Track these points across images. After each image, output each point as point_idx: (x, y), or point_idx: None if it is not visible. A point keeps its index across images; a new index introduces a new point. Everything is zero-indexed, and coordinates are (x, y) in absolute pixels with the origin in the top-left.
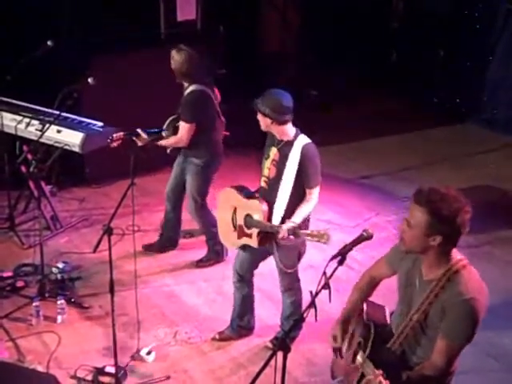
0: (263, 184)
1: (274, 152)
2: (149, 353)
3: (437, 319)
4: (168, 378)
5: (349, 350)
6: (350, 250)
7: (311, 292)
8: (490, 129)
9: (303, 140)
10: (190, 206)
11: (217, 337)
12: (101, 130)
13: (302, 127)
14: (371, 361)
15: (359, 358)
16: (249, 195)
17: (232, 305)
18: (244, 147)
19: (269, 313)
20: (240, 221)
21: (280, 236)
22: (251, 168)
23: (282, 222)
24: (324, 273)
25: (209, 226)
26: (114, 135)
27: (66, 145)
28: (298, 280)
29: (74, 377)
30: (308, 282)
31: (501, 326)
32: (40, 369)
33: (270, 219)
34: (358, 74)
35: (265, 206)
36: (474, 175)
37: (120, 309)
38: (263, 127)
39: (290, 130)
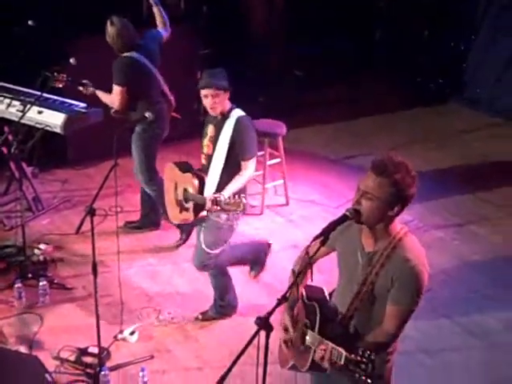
0: (203, 161)
1: (211, 129)
2: (132, 333)
3: (385, 289)
4: (151, 357)
5: (296, 335)
6: (333, 229)
7: (293, 271)
8: (473, 108)
9: (238, 113)
10: (139, 179)
11: (200, 317)
12: (84, 110)
13: (286, 107)
14: (322, 337)
15: (309, 337)
16: (185, 170)
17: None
18: None
19: (252, 291)
20: (180, 196)
21: (206, 207)
22: None
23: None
24: (306, 253)
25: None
26: (57, 74)
27: (47, 126)
28: (210, 266)
29: (57, 358)
30: (290, 261)
31: (486, 305)
32: (23, 350)
33: (202, 191)
34: (342, 54)
35: (197, 180)
36: (459, 154)
37: (103, 289)
38: (217, 105)
39: (228, 102)
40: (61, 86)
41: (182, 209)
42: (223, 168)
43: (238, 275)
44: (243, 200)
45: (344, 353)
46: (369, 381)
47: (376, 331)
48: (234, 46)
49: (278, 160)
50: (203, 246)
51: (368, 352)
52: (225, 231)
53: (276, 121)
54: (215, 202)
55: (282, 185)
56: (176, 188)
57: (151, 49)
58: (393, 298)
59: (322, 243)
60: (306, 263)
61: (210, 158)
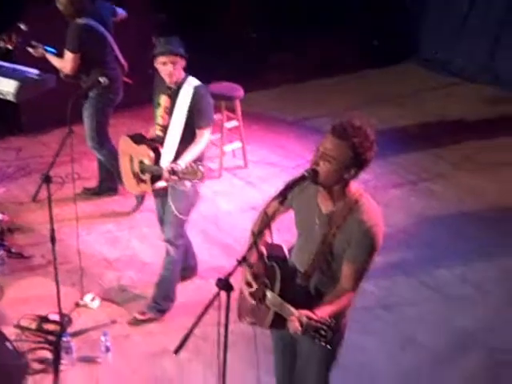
0: (159, 133)
1: (164, 99)
2: (93, 299)
3: (342, 250)
4: (114, 322)
5: (256, 292)
6: (291, 189)
7: (253, 232)
8: (429, 68)
9: (194, 81)
10: (89, 145)
11: (138, 317)
12: (37, 77)
13: (243, 69)
14: (282, 299)
15: (269, 298)
16: (140, 142)
17: None
18: None
19: (211, 255)
20: (136, 168)
21: (164, 177)
22: None
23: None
24: (265, 213)
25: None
26: (6, 36)
27: None
28: (183, 237)
29: (17, 326)
30: (249, 223)
31: (438, 257)
32: None
33: (157, 163)
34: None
35: (153, 151)
36: (416, 114)
37: (62, 257)
38: (175, 72)
39: (182, 71)
40: (10, 47)
41: (139, 181)
42: (181, 138)
43: (197, 237)
44: (201, 168)
45: (304, 318)
46: (328, 346)
47: (334, 290)
48: (188, 9)
49: (235, 123)
50: (177, 214)
51: (327, 319)
52: (192, 197)
53: (233, 83)
54: (172, 171)
55: (240, 147)
56: (131, 160)
57: (104, 15)
58: (349, 257)
59: (281, 203)
60: (265, 223)
61: (165, 128)
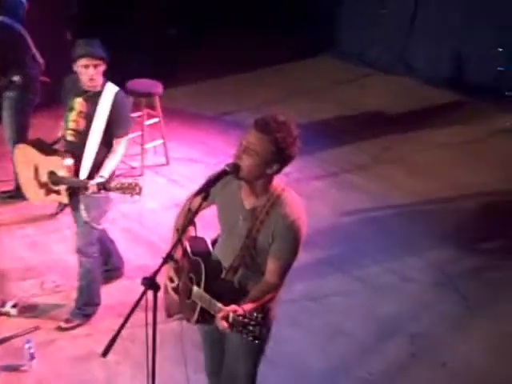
0: (71, 138)
1: (79, 103)
2: (14, 305)
3: (266, 245)
4: (37, 328)
5: (182, 288)
6: (214, 185)
7: (177, 229)
8: (344, 60)
9: (113, 88)
10: (9, 146)
11: (63, 325)
12: None
13: (162, 67)
14: (208, 294)
15: (195, 293)
16: (48, 151)
17: None
18: None
19: (136, 254)
20: (44, 178)
21: (89, 192)
22: None
23: (90, 175)
24: (188, 209)
25: None
26: None
27: None
28: (95, 245)
29: None
30: (173, 221)
31: (361, 248)
32: None
33: (77, 173)
34: (217, 14)
35: (68, 161)
36: (333, 106)
37: None
38: (97, 77)
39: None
40: None
41: (50, 191)
42: (99, 146)
43: (121, 236)
44: (139, 183)
45: (231, 314)
46: (256, 342)
47: (260, 285)
48: (103, 5)
49: (156, 120)
50: (90, 222)
51: (255, 314)
52: (104, 204)
53: (152, 80)
54: (103, 186)
55: (161, 144)
56: (36, 170)
57: (17, 11)
58: (273, 253)
59: (204, 199)
60: (189, 219)
61: (80, 134)
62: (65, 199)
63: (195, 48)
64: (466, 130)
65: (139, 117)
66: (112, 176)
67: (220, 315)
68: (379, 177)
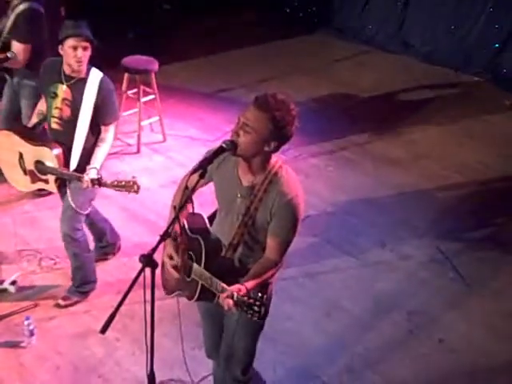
0: (55, 126)
1: (63, 89)
2: (13, 283)
3: (264, 222)
4: (36, 305)
5: (181, 266)
6: (211, 162)
7: (175, 207)
8: (341, 37)
9: (98, 74)
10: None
11: (61, 303)
12: None
13: (156, 44)
14: (208, 271)
15: (195, 271)
16: (35, 140)
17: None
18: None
19: (134, 231)
20: (30, 166)
21: (84, 186)
22: None
23: (80, 164)
24: (186, 187)
25: None
26: None
27: None
28: (80, 230)
29: None
30: (171, 198)
31: (357, 224)
32: None
33: (67, 164)
34: None
35: (56, 151)
36: (330, 83)
37: None
38: (84, 60)
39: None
40: None
41: (37, 179)
42: (87, 135)
43: (119, 214)
44: (136, 181)
45: (235, 294)
46: (259, 320)
47: (260, 262)
48: None
49: (152, 97)
50: (74, 208)
51: (259, 294)
52: (91, 191)
53: (147, 57)
54: (97, 182)
55: (157, 122)
56: (21, 157)
57: None
58: (273, 231)
59: (201, 176)
60: (187, 196)
61: (65, 122)
62: (53, 188)
63: (190, 24)
64: (464, 108)
65: (135, 94)
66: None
67: (224, 295)
68: (376, 154)
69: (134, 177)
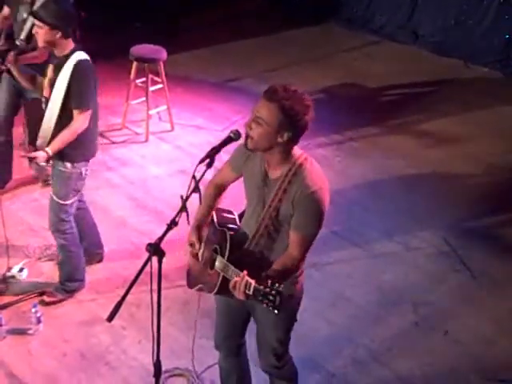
0: (43, 105)
1: (51, 70)
2: (21, 270)
3: (288, 214)
4: (43, 293)
5: (205, 257)
6: (218, 152)
7: (181, 196)
8: (350, 28)
9: (79, 56)
10: None
11: (46, 299)
12: None
13: (164, 31)
14: (232, 264)
15: (218, 263)
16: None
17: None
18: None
19: (141, 220)
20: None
21: (39, 160)
22: (122, 77)
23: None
24: (193, 176)
25: None
26: None
27: None
28: (67, 221)
29: None
30: (178, 187)
31: (365, 215)
32: None
33: (33, 143)
34: None
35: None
36: (338, 73)
37: None
38: (41, 39)
39: (70, 43)
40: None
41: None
42: (58, 115)
43: (126, 203)
44: (46, 168)
45: (253, 284)
46: (275, 311)
47: (283, 257)
48: None
49: (160, 86)
50: (55, 199)
51: (277, 284)
52: (74, 180)
53: (155, 46)
54: (46, 160)
55: (165, 111)
56: None
57: None
58: (295, 225)
59: (209, 166)
60: (194, 187)
61: (47, 102)
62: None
63: (199, 14)
64: (473, 99)
65: (143, 83)
66: (81, 149)
67: (238, 280)
68: (384, 145)
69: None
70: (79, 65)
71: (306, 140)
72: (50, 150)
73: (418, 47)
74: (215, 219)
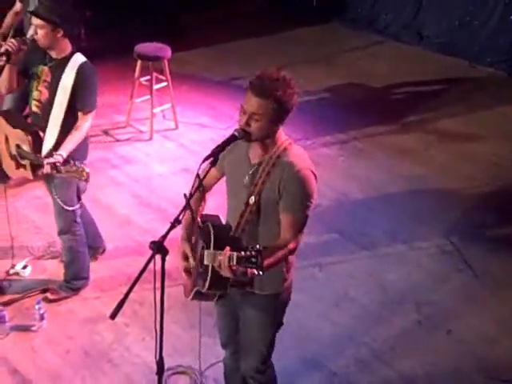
0: (35, 109)
1: (44, 71)
2: (24, 267)
3: (271, 197)
4: (46, 290)
5: (196, 261)
6: (222, 150)
7: (185, 194)
8: (355, 28)
9: (80, 58)
10: None
11: (50, 296)
12: None
13: (169, 29)
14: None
15: (206, 257)
16: (16, 123)
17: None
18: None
19: (145, 218)
20: (14, 151)
21: (44, 171)
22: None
23: (55, 150)
24: (197, 175)
25: None
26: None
27: None
28: (78, 223)
29: None
30: (182, 186)
31: (368, 215)
32: None
33: (39, 149)
34: None
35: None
36: (343, 73)
37: None
38: (45, 40)
39: (69, 44)
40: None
41: (19, 165)
42: (63, 120)
43: (130, 201)
44: (86, 169)
45: (235, 253)
46: (261, 273)
47: (275, 242)
48: None
49: (164, 84)
50: (62, 205)
51: (253, 246)
52: (77, 182)
53: (160, 44)
54: (55, 168)
55: (170, 109)
56: (7, 141)
57: None
58: (283, 207)
59: (213, 163)
60: (197, 185)
61: (43, 105)
62: (29, 175)
63: (204, 12)
64: (478, 100)
65: (147, 81)
66: (80, 153)
67: (222, 255)
68: (388, 145)
69: (83, 163)
70: (84, 67)
71: (310, 139)
72: (63, 153)
73: (422, 47)
74: (200, 221)
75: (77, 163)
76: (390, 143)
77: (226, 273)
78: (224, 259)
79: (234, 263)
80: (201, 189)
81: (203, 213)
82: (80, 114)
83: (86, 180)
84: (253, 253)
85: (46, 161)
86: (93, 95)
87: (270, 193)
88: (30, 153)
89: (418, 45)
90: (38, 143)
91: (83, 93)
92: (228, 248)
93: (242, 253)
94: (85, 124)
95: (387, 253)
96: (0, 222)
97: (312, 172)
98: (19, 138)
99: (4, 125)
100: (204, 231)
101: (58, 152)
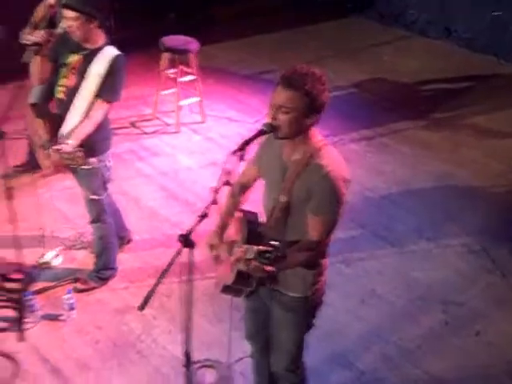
0: (61, 95)
1: (74, 59)
2: (55, 256)
3: (301, 197)
4: (77, 280)
5: (230, 255)
6: (249, 143)
7: (212, 188)
8: (382, 22)
9: (114, 50)
10: None
11: (78, 286)
12: None
13: (197, 22)
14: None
15: (235, 249)
16: (38, 113)
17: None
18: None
19: (173, 211)
20: (41, 140)
21: (52, 158)
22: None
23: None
24: (224, 169)
25: None
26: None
27: None
28: (106, 212)
29: None
30: (210, 179)
31: (395, 212)
32: None
33: (54, 137)
34: None
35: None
36: (370, 68)
37: (21, 215)
38: (80, 32)
39: (102, 35)
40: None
41: (45, 155)
42: (86, 108)
43: (157, 194)
44: (79, 154)
45: (255, 247)
46: (274, 269)
47: (303, 241)
48: None
49: (192, 77)
50: (90, 196)
51: (272, 243)
52: (102, 173)
53: (188, 37)
54: (57, 153)
55: (197, 102)
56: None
57: None
58: (311, 209)
59: (241, 158)
60: (225, 180)
61: (69, 92)
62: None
63: (232, 5)
64: (506, 97)
65: (174, 73)
66: (103, 142)
67: (245, 250)
68: (415, 141)
69: (78, 149)
70: (119, 58)
71: (338, 135)
72: (72, 141)
73: (450, 43)
74: (240, 218)
75: (71, 149)
76: (417, 139)
77: (241, 267)
78: (241, 253)
79: (252, 256)
80: (231, 183)
81: (244, 208)
82: (98, 101)
83: (83, 165)
84: (269, 249)
85: (50, 150)
86: (118, 87)
87: (299, 192)
88: (46, 140)
89: (446, 40)
90: (54, 131)
91: (111, 82)
92: (246, 246)
93: (261, 246)
94: (99, 112)
95: (414, 250)
96: (29, 213)
97: (341, 174)
98: (39, 127)
99: (34, 117)
100: (241, 227)
101: (70, 140)
